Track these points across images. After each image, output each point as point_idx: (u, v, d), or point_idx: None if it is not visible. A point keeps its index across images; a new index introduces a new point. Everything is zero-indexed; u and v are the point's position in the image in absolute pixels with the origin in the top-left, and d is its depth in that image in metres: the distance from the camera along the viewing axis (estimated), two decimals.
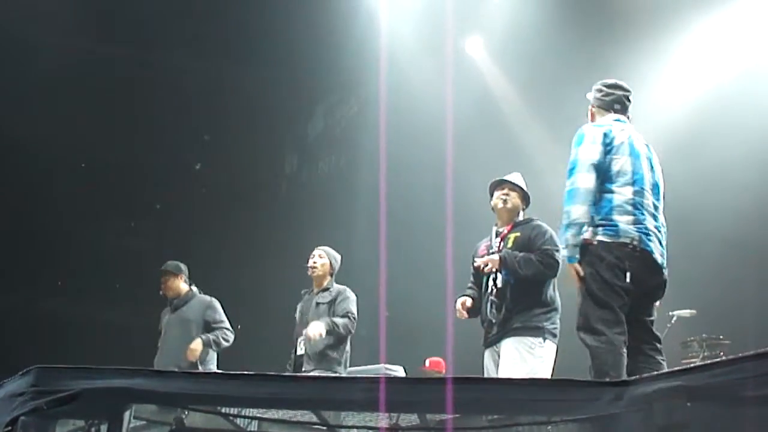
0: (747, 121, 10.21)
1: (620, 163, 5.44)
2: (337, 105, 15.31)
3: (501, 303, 6.42)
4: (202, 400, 3.73)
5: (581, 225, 5.28)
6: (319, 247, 8.10)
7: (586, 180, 5.33)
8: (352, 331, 7.65)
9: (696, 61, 11.18)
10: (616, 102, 5.82)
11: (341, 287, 7.92)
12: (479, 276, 6.70)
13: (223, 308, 8.82)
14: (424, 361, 10.35)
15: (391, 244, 10.19)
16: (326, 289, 7.89)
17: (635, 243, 5.32)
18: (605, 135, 5.49)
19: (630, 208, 5.38)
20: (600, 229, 5.32)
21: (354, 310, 7.73)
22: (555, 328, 6.40)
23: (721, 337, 9.69)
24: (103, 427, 3.67)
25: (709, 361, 5.14)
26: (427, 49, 12.37)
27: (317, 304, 7.79)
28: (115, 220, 14.84)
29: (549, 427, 3.79)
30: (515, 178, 6.84)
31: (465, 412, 3.90)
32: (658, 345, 5.47)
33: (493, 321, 6.43)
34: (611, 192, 5.38)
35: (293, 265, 12.44)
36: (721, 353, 9.25)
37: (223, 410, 3.94)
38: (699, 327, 9.87)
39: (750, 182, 10.12)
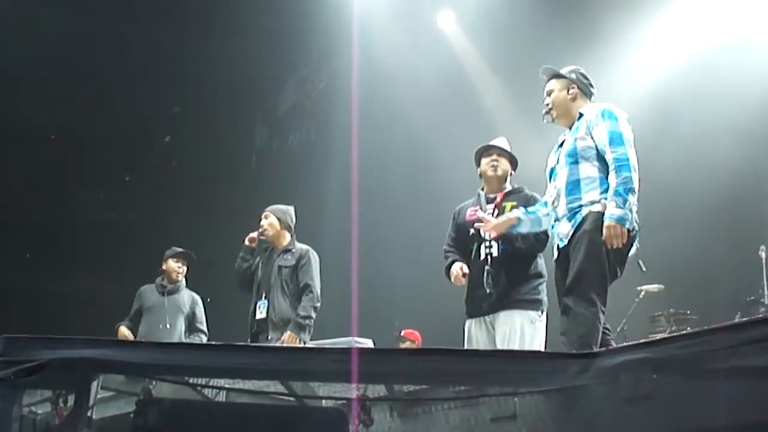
0: (723, 94, 10.22)
1: (634, 152, 5.47)
2: (307, 77, 15.25)
3: (498, 273, 6.27)
4: (170, 371, 3.73)
5: (636, 194, 5.30)
6: (265, 210, 7.93)
7: (634, 156, 5.38)
8: (317, 304, 7.50)
9: (674, 32, 11.17)
10: (592, 95, 5.88)
11: (303, 248, 7.73)
12: (462, 241, 6.56)
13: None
14: (400, 331, 10.35)
15: (362, 217, 10.18)
16: (288, 250, 7.71)
17: (634, 233, 5.39)
18: (628, 121, 5.57)
19: (637, 196, 5.43)
20: None
21: (315, 276, 7.58)
22: (546, 300, 6.35)
23: (688, 312, 9.78)
24: (71, 398, 3.65)
25: (674, 334, 5.20)
26: (398, 22, 12.33)
27: (280, 267, 7.62)
28: (84, 192, 14.77)
29: (516, 398, 3.81)
30: (502, 142, 6.71)
31: (432, 383, 3.92)
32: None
33: (489, 291, 6.26)
34: None
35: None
36: (688, 328, 9.33)
37: (191, 380, 3.93)
38: (667, 302, 9.96)
39: (723, 157, 10.16)
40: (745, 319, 6.08)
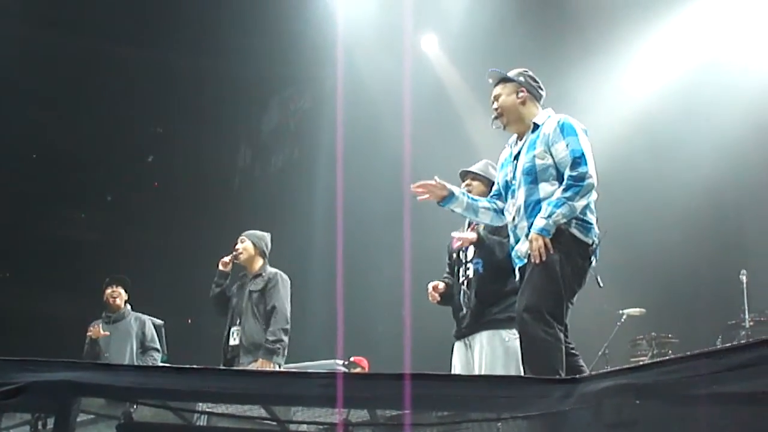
0: (707, 115, 10.30)
1: (593, 171, 5.31)
2: (291, 98, 15.26)
3: (473, 294, 6.28)
4: (151, 394, 3.70)
5: (574, 213, 5.17)
6: (242, 234, 7.94)
7: (594, 175, 5.24)
8: (286, 326, 7.48)
9: (659, 53, 11.25)
10: (542, 98, 5.72)
11: (272, 271, 7.75)
12: (451, 267, 6.62)
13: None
14: (350, 357, 10.31)
15: (347, 239, 10.18)
16: (259, 275, 7.74)
17: (595, 246, 5.31)
18: (586, 133, 5.43)
19: (594, 210, 5.37)
20: (574, 221, 5.22)
21: (283, 298, 7.58)
22: None
23: (670, 335, 9.80)
24: (50, 421, 3.63)
25: (657, 359, 5.18)
26: (382, 44, 12.36)
27: (250, 292, 7.65)
28: (66, 212, 14.70)
29: (499, 423, 3.80)
30: (478, 166, 6.68)
31: (414, 409, 3.90)
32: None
33: (465, 312, 6.30)
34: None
35: None
36: (670, 351, 9.35)
37: (172, 404, 3.90)
38: (648, 325, 9.97)
39: (705, 181, 10.22)
40: (727, 345, 6.10)
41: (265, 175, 15.68)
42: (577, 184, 5.16)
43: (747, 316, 9.04)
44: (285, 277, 7.73)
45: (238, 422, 3.98)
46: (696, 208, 10.28)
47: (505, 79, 5.71)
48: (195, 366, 3.73)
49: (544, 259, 5.11)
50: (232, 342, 7.54)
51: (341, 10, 12.18)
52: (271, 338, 7.36)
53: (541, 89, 5.72)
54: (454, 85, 12.79)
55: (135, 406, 3.77)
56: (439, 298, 6.47)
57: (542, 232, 5.13)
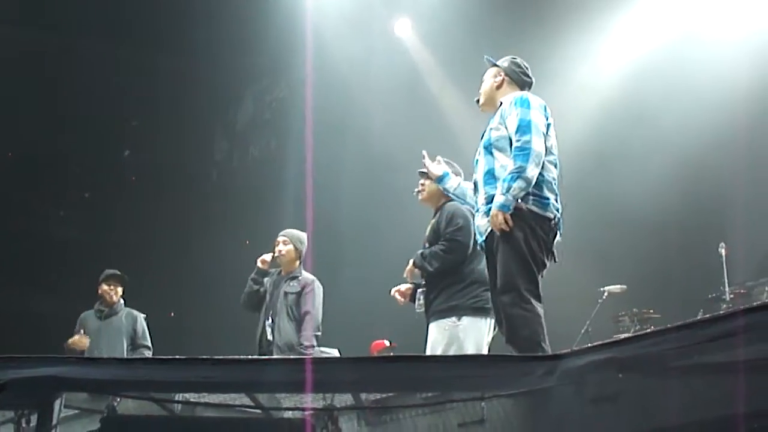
0: (682, 92, 10.31)
1: (551, 141, 5.44)
2: (266, 89, 15.20)
3: (426, 292, 6.50)
4: (133, 387, 3.69)
5: (530, 184, 5.23)
6: (282, 233, 7.99)
7: (539, 144, 5.29)
8: (318, 333, 7.65)
9: (631, 31, 11.30)
10: (528, 86, 5.81)
11: (309, 277, 7.85)
12: None
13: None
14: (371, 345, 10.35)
15: (320, 229, 10.19)
16: (295, 277, 7.82)
17: (556, 221, 5.35)
18: (545, 108, 5.49)
19: (554, 186, 5.42)
20: (531, 198, 5.27)
21: (317, 305, 7.72)
22: (477, 301, 6.26)
23: (651, 311, 9.83)
24: (34, 418, 3.61)
25: (638, 333, 5.22)
26: (355, 30, 12.31)
27: (285, 293, 7.74)
28: (44, 210, 14.61)
29: (483, 403, 3.81)
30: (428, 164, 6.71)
31: (399, 390, 3.91)
32: None
33: (421, 311, 6.51)
34: (543, 167, 5.34)
35: (227, 251, 12.44)
36: (652, 327, 9.38)
37: (156, 396, 3.89)
38: (630, 302, 10.01)
39: (682, 154, 10.25)
40: (707, 315, 6.13)
41: (243, 166, 15.64)
42: (523, 153, 5.24)
43: (727, 289, 9.09)
44: (320, 285, 7.87)
45: (223, 411, 3.98)
46: (673, 182, 10.31)
47: (493, 65, 5.89)
48: (177, 357, 3.71)
49: (506, 229, 5.21)
50: (268, 337, 7.64)
51: None
52: (305, 343, 7.53)
53: (526, 76, 5.83)
54: (428, 70, 12.76)
55: (118, 399, 3.76)
56: (403, 299, 6.70)
57: (502, 207, 5.21)
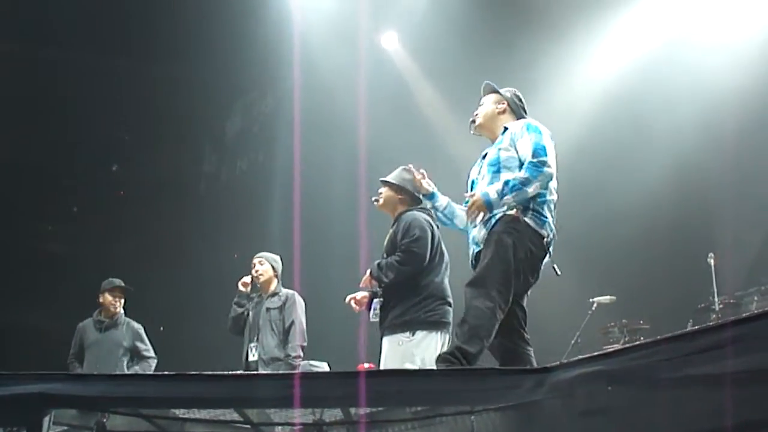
0: (669, 97, 10.33)
1: (554, 168, 5.50)
2: (254, 102, 15.18)
3: (383, 303, 6.55)
4: (122, 403, 3.68)
5: (525, 198, 5.33)
6: (257, 255, 8.29)
7: (552, 168, 5.42)
8: (304, 343, 7.93)
9: (619, 40, 11.33)
10: (523, 118, 5.89)
11: (289, 292, 8.17)
12: None
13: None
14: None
15: (307, 241, 10.20)
16: (275, 294, 8.13)
17: (548, 239, 5.43)
18: (551, 138, 5.59)
19: (554, 210, 5.53)
20: (530, 212, 5.37)
21: (300, 317, 8.00)
22: (431, 315, 6.32)
23: (641, 322, 9.85)
24: None
25: (627, 345, 5.21)
26: (342, 43, 12.32)
27: (267, 309, 8.02)
28: (33, 224, 14.56)
29: (472, 416, 3.80)
30: (391, 174, 6.83)
31: (388, 405, 3.91)
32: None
33: (376, 320, 6.57)
34: (547, 188, 5.44)
35: (215, 264, 12.41)
36: (642, 338, 9.38)
37: (144, 412, 3.88)
38: (619, 313, 10.01)
39: (670, 163, 10.27)
40: (696, 327, 6.14)
41: (232, 179, 15.61)
42: (537, 169, 5.33)
43: (716, 299, 9.10)
44: (300, 298, 8.18)
45: (213, 426, 3.97)
46: (661, 192, 10.33)
47: (494, 92, 6.00)
48: (166, 372, 3.70)
49: (476, 219, 5.43)
50: (251, 358, 7.90)
51: (298, 10, 12.13)
52: (292, 354, 7.81)
53: (525, 110, 5.97)
54: (415, 82, 12.78)
55: (108, 416, 3.75)
56: (358, 308, 6.77)
57: (487, 203, 5.35)
